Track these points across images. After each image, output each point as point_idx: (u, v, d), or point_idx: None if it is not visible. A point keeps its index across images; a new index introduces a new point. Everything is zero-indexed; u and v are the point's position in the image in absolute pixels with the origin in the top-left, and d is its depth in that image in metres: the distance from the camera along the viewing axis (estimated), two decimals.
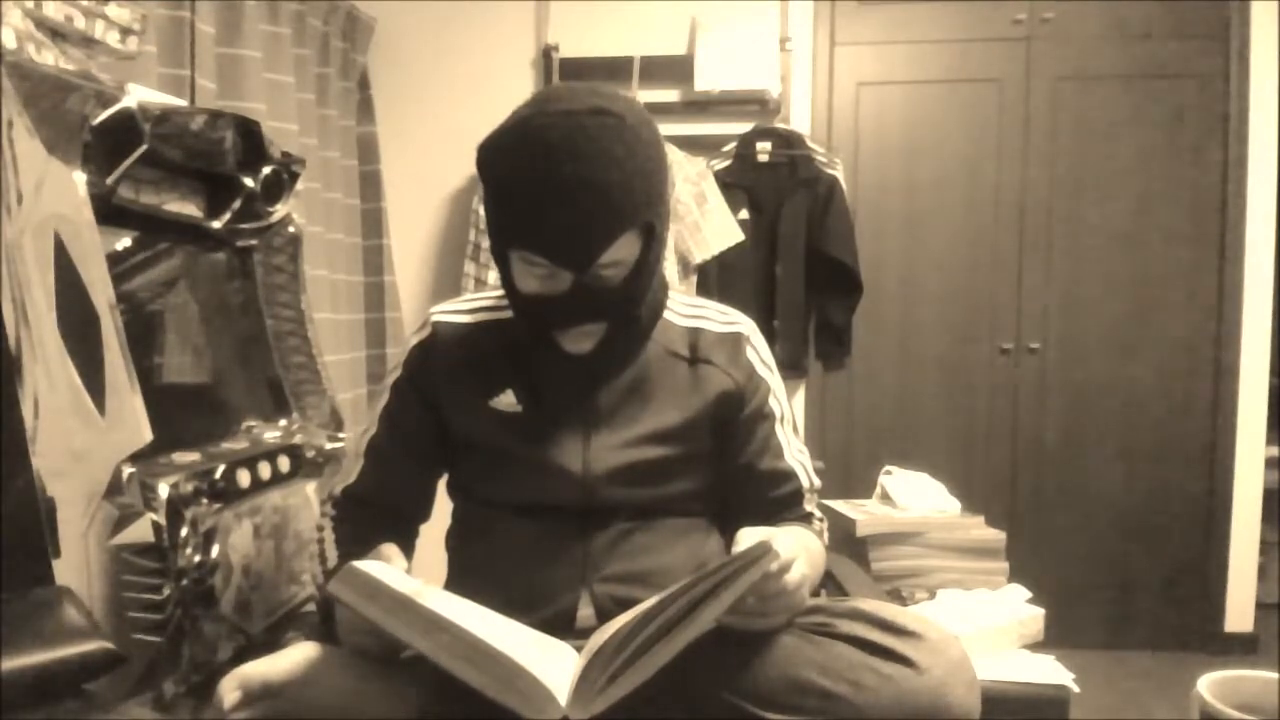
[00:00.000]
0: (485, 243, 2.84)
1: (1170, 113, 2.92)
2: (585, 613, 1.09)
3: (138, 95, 1.19)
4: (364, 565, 0.94)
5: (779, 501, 1.20)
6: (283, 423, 1.57)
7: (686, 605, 0.85)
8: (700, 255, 2.78)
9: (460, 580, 1.15)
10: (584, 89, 1.04)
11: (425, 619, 0.88)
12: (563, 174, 0.97)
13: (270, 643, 1.33)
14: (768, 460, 1.19)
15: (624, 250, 1.03)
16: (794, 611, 0.99)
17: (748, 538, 0.97)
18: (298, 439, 1.54)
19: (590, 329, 1.08)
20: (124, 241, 1.32)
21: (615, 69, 2.89)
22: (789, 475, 1.20)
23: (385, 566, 0.98)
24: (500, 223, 1.06)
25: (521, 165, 0.99)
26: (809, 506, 1.22)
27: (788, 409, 1.23)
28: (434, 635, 0.87)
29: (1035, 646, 1.60)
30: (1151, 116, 2.92)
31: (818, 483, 1.23)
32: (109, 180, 1.15)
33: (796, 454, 1.21)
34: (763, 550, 0.88)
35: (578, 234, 1.00)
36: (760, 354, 1.22)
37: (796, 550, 0.97)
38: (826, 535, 1.25)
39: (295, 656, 0.98)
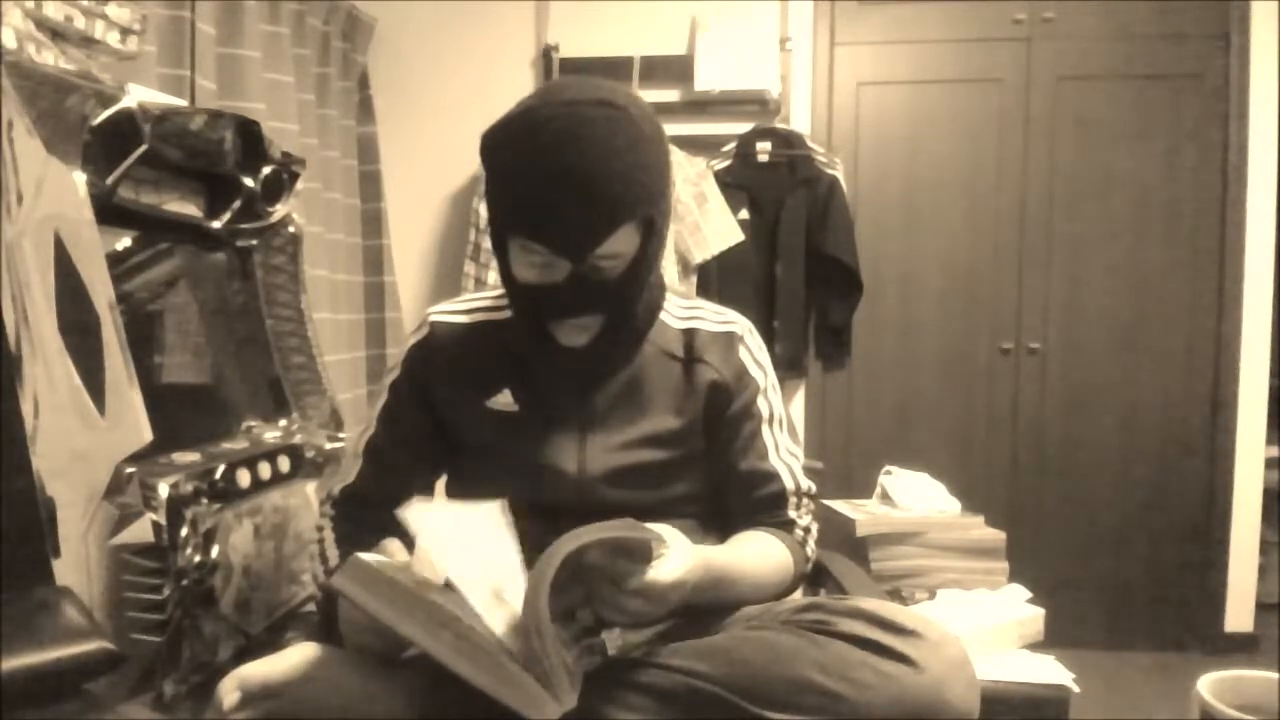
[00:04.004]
0: (485, 243, 2.84)
1: (1170, 113, 2.92)
2: (583, 614, 1.09)
3: (138, 95, 1.19)
4: (368, 556, 0.94)
5: (759, 503, 1.19)
6: (283, 423, 1.57)
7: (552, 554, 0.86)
8: (700, 255, 2.78)
9: None
10: (590, 82, 1.04)
11: (428, 613, 0.88)
12: (564, 162, 0.97)
13: (270, 643, 1.33)
14: (750, 460, 1.18)
15: (622, 243, 1.03)
16: (648, 619, 0.96)
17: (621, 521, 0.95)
18: (298, 439, 1.54)
19: (586, 321, 1.07)
20: (124, 241, 1.32)
21: (615, 69, 2.88)
22: (771, 476, 1.19)
23: (389, 560, 0.98)
24: (500, 210, 1.06)
25: (523, 153, 0.99)
26: (792, 512, 1.19)
27: (779, 410, 1.22)
28: (436, 632, 0.87)
29: (1035, 646, 1.60)
30: (1151, 116, 2.92)
31: (807, 486, 1.21)
32: (109, 180, 1.15)
33: (785, 456, 1.20)
34: (635, 528, 0.90)
35: (576, 223, 1.00)
36: (753, 353, 1.21)
37: (690, 577, 0.94)
38: (812, 546, 1.22)
39: (295, 657, 0.98)
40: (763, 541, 1.15)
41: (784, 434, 1.22)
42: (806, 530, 1.21)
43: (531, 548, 1.12)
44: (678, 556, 0.94)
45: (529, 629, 0.83)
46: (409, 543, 1.19)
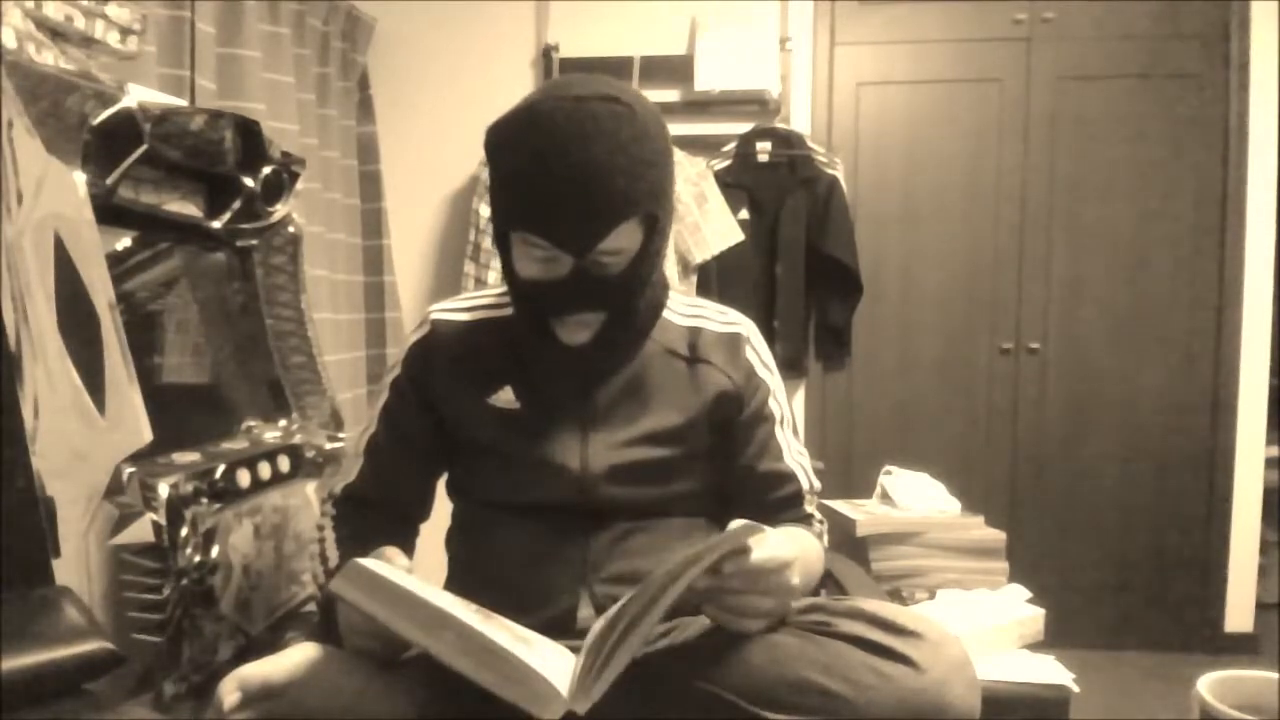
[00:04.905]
0: (485, 243, 2.84)
1: (1170, 113, 2.92)
2: (585, 613, 1.09)
3: (138, 95, 1.19)
4: (367, 562, 0.94)
5: (779, 503, 1.19)
6: (283, 423, 1.57)
7: (666, 582, 0.86)
8: (700, 255, 2.78)
9: (461, 581, 1.15)
10: (595, 79, 1.04)
11: (430, 615, 0.88)
12: (568, 156, 0.97)
13: (270, 643, 1.33)
14: (767, 462, 1.19)
15: (625, 239, 1.03)
16: (782, 612, 0.98)
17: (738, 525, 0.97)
18: (298, 439, 1.54)
19: (587, 318, 1.07)
20: (124, 241, 1.32)
21: (615, 69, 2.88)
22: (788, 477, 1.20)
23: (388, 565, 0.98)
24: (504, 204, 1.06)
25: (527, 147, 0.99)
26: (809, 508, 1.21)
27: (788, 410, 1.23)
28: (438, 632, 0.87)
29: (1035, 646, 1.60)
30: (1151, 116, 2.92)
31: (818, 485, 1.23)
32: (109, 180, 1.15)
33: (796, 456, 1.21)
34: (750, 530, 0.89)
35: (579, 217, 1.00)
36: (760, 355, 1.21)
37: (794, 552, 0.97)
38: (827, 537, 1.24)
39: (295, 657, 0.98)
40: (803, 537, 1.14)
41: (793, 435, 1.22)
42: (822, 524, 1.23)
43: (531, 538, 1.12)
44: (773, 537, 0.94)
45: (623, 623, 0.84)
46: (407, 546, 1.20)
